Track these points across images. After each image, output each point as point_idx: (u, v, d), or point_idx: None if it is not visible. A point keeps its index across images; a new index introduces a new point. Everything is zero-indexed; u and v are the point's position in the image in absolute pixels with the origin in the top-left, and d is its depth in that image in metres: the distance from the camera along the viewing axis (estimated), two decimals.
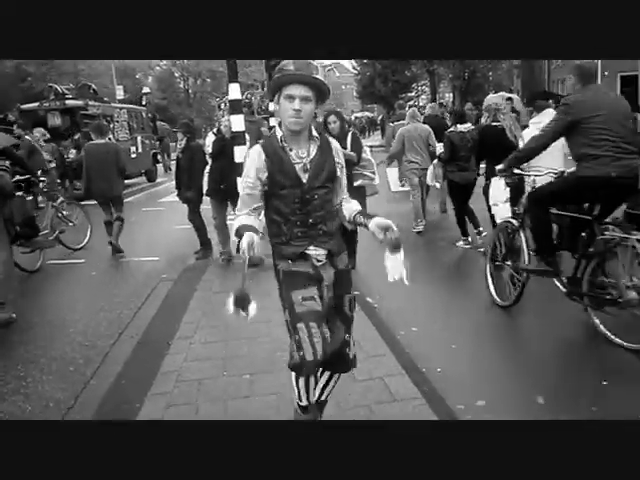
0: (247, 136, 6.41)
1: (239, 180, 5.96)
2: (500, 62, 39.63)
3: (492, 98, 13.59)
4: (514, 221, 4.76)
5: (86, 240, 8.44)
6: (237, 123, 6.12)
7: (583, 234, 4.13)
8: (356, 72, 40.30)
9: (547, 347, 4.13)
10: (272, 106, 12.23)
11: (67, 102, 14.91)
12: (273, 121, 12.05)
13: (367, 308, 4.85)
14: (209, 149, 6.44)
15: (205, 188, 6.70)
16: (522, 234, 4.62)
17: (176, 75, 48.06)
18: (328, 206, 2.57)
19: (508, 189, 5.06)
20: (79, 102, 15.13)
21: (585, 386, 3.47)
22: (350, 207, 2.66)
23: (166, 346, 4.25)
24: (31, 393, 3.80)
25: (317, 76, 2.46)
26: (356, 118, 35.70)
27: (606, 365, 3.73)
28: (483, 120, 7.03)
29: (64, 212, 8.20)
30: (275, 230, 2.57)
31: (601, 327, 4.05)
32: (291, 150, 2.47)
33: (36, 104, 15.40)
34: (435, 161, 7.65)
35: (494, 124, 6.42)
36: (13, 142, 6.56)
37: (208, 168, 6.64)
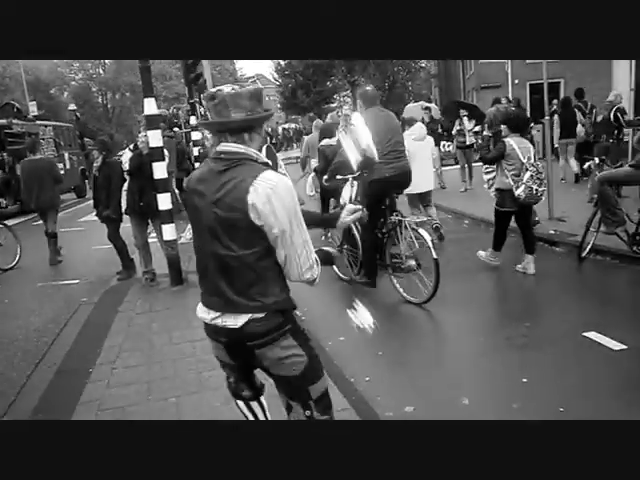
0: (166, 152, 6.27)
1: (159, 197, 5.89)
2: (418, 72, 41.01)
3: (411, 107, 13.96)
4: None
5: (16, 260, 8.26)
6: (154, 138, 5.96)
7: (382, 220, 5.47)
8: (278, 84, 40.50)
9: (468, 347, 4.27)
10: (193, 120, 12.14)
11: None
12: (195, 135, 11.98)
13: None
14: (126, 165, 6.24)
15: (124, 206, 6.50)
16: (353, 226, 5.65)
17: (93, 89, 46.59)
18: None
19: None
20: (3, 121, 15.17)
21: (505, 385, 3.60)
22: None
23: (87, 374, 4.06)
24: None
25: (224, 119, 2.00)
26: (284, 129, 35.83)
27: (525, 363, 3.88)
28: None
29: None
30: None
31: (397, 287, 5.45)
32: None
33: None
34: (312, 173, 7.92)
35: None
36: None
37: (126, 185, 6.45)
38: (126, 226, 6.81)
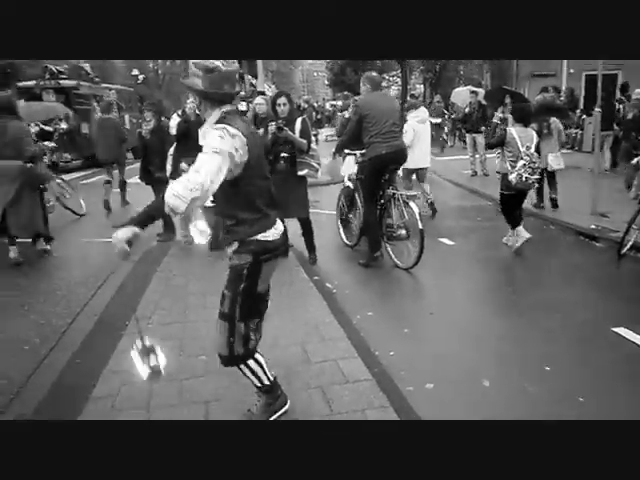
0: None
1: None
2: None
3: (459, 91, 13.73)
4: (351, 185, 6.71)
5: (84, 209, 9.32)
6: None
7: (380, 192, 5.93)
8: (327, 60, 40.17)
9: (496, 331, 4.29)
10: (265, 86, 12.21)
11: (61, 82, 16.28)
12: (241, 107, 12.08)
13: (325, 293, 4.93)
14: (173, 130, 6.38)
15: (169, 170, 6.67)
16: (356, 194, 6.56)
17: None
18: None
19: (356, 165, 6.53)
20: (72, 82, 16.54)
21: (527, 371, 3.63)
22: None
23: (123, 326, 4.25)
24: None
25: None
26: (332, 106, 35.57)
27: (550, 351, 3.89)
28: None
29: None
30: None
31: (390, 253, 6.07)
32: None
33: (33, 82, 16.48)
34: None
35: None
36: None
37: (172, 150, 6.60)
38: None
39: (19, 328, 4.48)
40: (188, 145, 6.32)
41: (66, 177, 10.94)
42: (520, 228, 6.33)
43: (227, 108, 2.59)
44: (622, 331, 4.13)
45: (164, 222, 7.15)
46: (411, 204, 5.63)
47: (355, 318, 4.47)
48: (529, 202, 8.18)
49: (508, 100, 10.51)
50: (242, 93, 12.09)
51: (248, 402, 3.06)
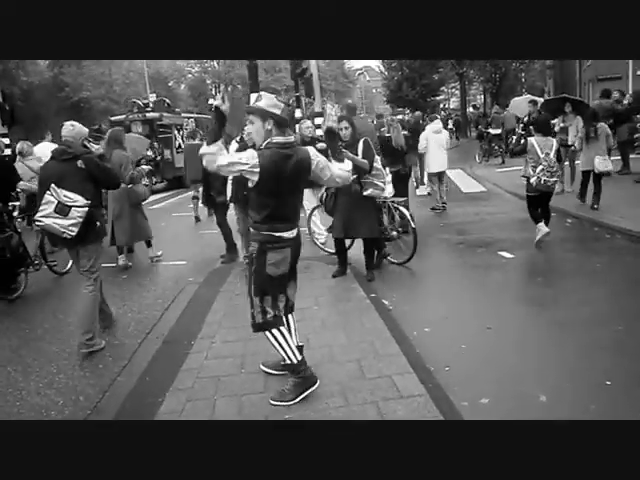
0: None
1: None
2: (533, 63, 39.14)
3: (518, 101, 13.54)
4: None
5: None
6: None
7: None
8: (384, 76, 40.36)
9: (553, 344, 4.23)
10: (298, 113, 12.53)
11: (147, 114, 18.64)
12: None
13: (382, 310, 5.00)
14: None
15: (229, 195, 6.94)
16: None
17: (207, 82, 48.87)
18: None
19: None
20: (156, 114, 18.88)
21: (587, 385, 3.56)
22: None
23: (189, 345, 4.48)
24: (63, 387, 4.07)
25: (255, 103, 3.38)
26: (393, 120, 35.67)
27: (611, 365, 3.81)
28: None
29: None
30: None
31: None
32: None
33: (123, 116, 18.96)
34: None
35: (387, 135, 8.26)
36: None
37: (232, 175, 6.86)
38: (230, 213, 7.28)
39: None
40: None
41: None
42: (541, 224, 7.13)
43: (275, 140, 3.29)
44: None
45: (227, 244, 7.45)
46: (401, 208, 6.55)
47: (412, 335, 4.52)
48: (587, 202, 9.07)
49: (569, 109, 10.18)
50: (299, 115, 12.36)
51: (305, 417, 3.18)
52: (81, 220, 4.52)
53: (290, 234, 3.41)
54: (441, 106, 41.79)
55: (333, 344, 4.23)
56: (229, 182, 6.84)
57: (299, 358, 3.49)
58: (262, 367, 3.91)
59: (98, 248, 4.89)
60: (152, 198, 15.07)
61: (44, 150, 8.90)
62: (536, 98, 14.61)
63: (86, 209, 4.54)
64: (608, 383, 3.54)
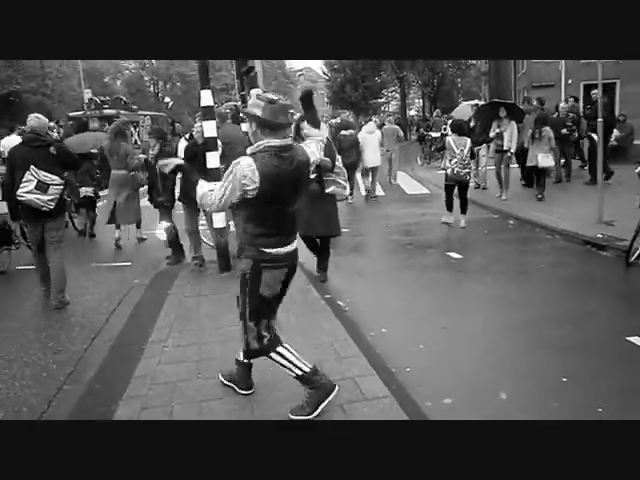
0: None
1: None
2: (468, 69, 40.34)
3: (462, 106, 13.94)
4: None
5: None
6: (209, 129, 6.17)
7: None
8: (327, 78, 40.55)
9: (511, 344, 4.32)
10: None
11: (104, 111, 19.69)
12: (244, 127, 12.17)
13: (338, 311, 4.97)
14: (181, 155, 6.46)
15: (177, 194, 6.74)
16: None
17: (145, 79, 47.65)
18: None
19: None
20: (113, 111, 19.74)
21: (545, 383, 3.64)
22: None
23: (140, 350, 4.29)
24: (3, 399, 3.80)
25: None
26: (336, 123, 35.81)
27: (566, 363, 3.91)
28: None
29: None
30: None
31: None
32: None
33: (81, 112, 20.31)
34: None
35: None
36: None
37: (180, 174, 6.66)
38: (177, 212, 7.07)
39: (37, 355, 4.52)
40: (196, 169, 6.40)
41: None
42: (449, 213, 8.87)
43: (271, 143, 2.94)
44: (637, 340, 4.15)
45: (172, 246, 7.21)
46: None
47: (369, 335, 4.50)
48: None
49: (504, 114, 10.52)
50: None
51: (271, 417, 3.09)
52: (57, 196, 5.44)
53: (290, 248, 3.12)
54: (383, 108, 42.34)
55: (293, 347, 4.14)
56: (177, 180, 6.65)
57: (310, 367, 3.22)
58: (220, 378, 3.67)
59: (63, 220, 5.96)
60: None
61: (13, 142, 8.68)
62: (479, 102, 15.00)
63: (62, 187, 5.49)
64: (564, 380, 3.63)
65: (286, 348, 3.24)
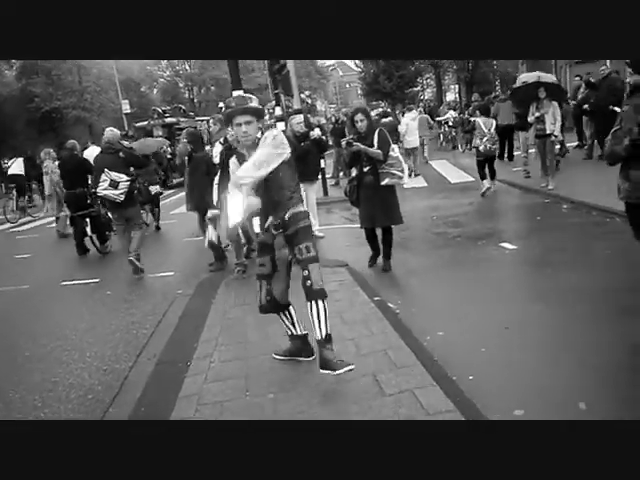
0: None
1: None
2: None
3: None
4: None
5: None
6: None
7: None
8: (359, 70, 40.07)
9: (585, 345, 3.93)
10: (278, 111, 12.16)
11: (166, 120, 21.54)
12: (280, 125, 11.97)
13: (389, 315, 4.67)
14: (217, 159, 6.29)
15: (215, 199, 6.57)
16: None
17: (180, 85, 48.10)
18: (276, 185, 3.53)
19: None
20: (173, 119, 22.12)
21: (631, 390, 3.27)
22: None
23: (185, 367, 4.11)
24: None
25: (250, 104, 3.48)
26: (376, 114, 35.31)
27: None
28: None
29: None
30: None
31: None
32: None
33: (145, 122, 21.99)
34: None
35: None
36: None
37: (217, 179, 6.50)
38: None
39: (82, 376, 4.41)
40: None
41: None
42: (485, 180, 10.26)
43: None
44: None
45: (214, 252, 7.06)
46: None
47: (425, 340, 4.19)
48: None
49: (543, 94, 9.59)
50: (279, 113, 11.96)
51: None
52: (126, 190, 7.14)
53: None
54: (420, 97, 41.57)
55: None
56: (214, 186, 6.48)
57: (300, 333, 3.96)
58: (275, 357, 4.04)
59: (137, 209, 7.77)
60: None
61: (93, 152, 10.08)
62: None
63: (129, 183, 7.17)
64: None
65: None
